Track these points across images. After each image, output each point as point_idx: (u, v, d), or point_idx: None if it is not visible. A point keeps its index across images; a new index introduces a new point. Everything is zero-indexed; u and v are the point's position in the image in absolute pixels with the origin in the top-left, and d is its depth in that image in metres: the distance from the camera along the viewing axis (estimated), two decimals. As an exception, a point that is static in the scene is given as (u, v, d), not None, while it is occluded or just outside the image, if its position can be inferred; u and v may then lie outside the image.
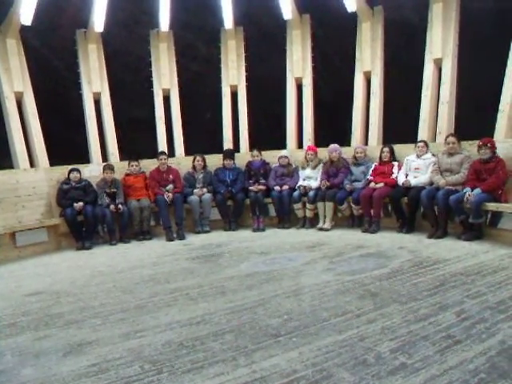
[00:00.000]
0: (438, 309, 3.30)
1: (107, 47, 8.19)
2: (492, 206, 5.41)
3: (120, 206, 6.83)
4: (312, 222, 7.08)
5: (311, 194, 7.02)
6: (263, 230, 7.14)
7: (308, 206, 7.04)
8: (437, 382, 2.32)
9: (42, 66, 8.51)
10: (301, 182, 7.26)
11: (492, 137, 6.03)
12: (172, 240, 6.81)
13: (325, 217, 6.87)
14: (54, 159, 7.46)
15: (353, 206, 6.71)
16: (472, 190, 5.50)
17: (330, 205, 6.83)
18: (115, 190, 7.03)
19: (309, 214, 7.08)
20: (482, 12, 8.26)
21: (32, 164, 7.30)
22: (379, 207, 6.49)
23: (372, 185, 6.59)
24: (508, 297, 3.45)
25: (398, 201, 6.30)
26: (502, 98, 6.25)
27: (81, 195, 6.77)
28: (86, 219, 6.65)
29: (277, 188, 7.28)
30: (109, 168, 7.14)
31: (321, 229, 6.80)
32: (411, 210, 6.23)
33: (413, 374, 2.41)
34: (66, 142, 8.25)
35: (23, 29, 7.25)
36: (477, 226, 5.51)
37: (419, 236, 5.92)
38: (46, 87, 8.01)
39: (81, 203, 6.63)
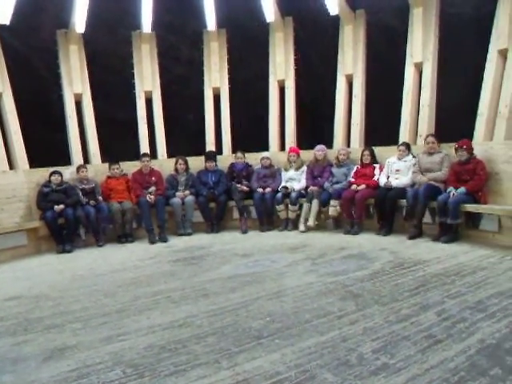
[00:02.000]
0: (419, 309, 3.34)
1: (88, 48, 8.08)
2: (471, 207, 5.50)
3: (100, 198, 6.92)
4: (294, 224, 7.10)
5: (293, 195, 7.05)
6: (246, 232, 7.15)
7: (290, 207, 7.06)
8: (418, 381, 2.34)
9: (21, 66, 8.35)
10: (283, 184, 7.29)
11: (471, 140, 6.13)
12: (154, 242, 6.76)
13: (306, 220, 6.87)
14: (34, 161, 7.33)
15: (332, 202, 6.71)
16: (456, 190, 5.58)
17: (316, 202, 6.85)
18: (93, 185, 7.04)
19: (291, 215, 7.10)
20: (460, 17, 8.39)
21: (11, 166, 7.16)
22: (362, 209, 6.54)
23: (354, 187, 6.64)
24: (487, 296, 3.51)
25: (383, 202, 6.32)
26: (481, 101, 6.36)
27: (62, 198, 6.67)
28: (66, 222, 6.56)
29: (260, 190, 7.29)
30: (82, 167, 7.19)
31: (306, 228, 6.81)
32: (390, 211, 6.27)
33: (395, 373, 2.43)
34: (47, 144, 8.09)
35: (1, 28, 7.11)
36: (454, 228, 5.58)
37: (400, 237, 5.98)
38: (25, 88, 7.85)
39: (61, 206, 6.55)
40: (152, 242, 6.78)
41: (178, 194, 7.29)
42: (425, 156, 6.19)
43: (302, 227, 6.90)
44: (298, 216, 7.11)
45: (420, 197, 5.86)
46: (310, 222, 6.82)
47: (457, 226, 5.57)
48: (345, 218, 6.66)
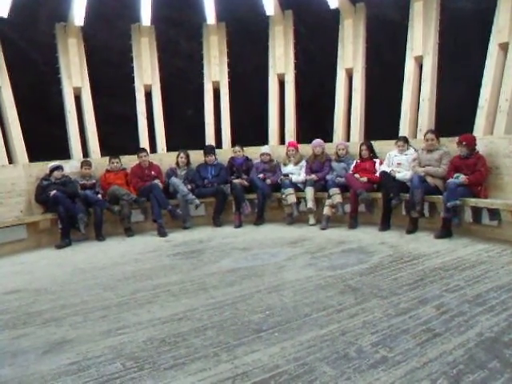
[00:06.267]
0: (418, 303, 3.35)
1: (88, 41, 8.04)
2: (472, 202, 5.49)
3: (99, 196, 6.89)
4: (295, 218, 7.05)
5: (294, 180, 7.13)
6: (240, 226, 7.09)
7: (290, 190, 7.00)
8: (417, 374, 2.35)
9: (20, 59, 8.33)
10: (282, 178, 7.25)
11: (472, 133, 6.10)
12: (164, 235, 6.68)
13: (311, 212, 6.82)
14: (34, 155, 7.32)
15: (327, 202, 6.64)
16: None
17: (311, 188, 6.88)
18: (94, 182, 7.06)
19: (293, 199, 6.96)
20: (461, 11, 8.37)
21: (10, 160, 7.15)
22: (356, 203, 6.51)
23: (357, 176, 6.58)
24: (485, 290, 3.52)
25: (388, 188, 6.20)
26: (481, 95, 6.34)
27: (61, 190, 6.64)
28: (61, 216, 6.50)
29: (261, 175, 7.29)
30: (86, 164, 7.15)
31: (315, 221, 6.81)
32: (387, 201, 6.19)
33: (393, 366, 2.44)
34: (46, 138, 8.10)
35: (-1, 21, 7.08)
36: (447, 222, 5.51)
37: (400, 232, 5.97)
38: (24, 81, 7.84)
39: (54, 191, 6.48)
40: (162, 234, 6.70)
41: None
42: (424, 153, 6.14)
43: (311, 221, 6.88)
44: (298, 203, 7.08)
45: (414, 181, 5.83)
46: (310, 205, 6.77)
47: (449, 220, 5.52)
48: (351, 212, 6.56)
